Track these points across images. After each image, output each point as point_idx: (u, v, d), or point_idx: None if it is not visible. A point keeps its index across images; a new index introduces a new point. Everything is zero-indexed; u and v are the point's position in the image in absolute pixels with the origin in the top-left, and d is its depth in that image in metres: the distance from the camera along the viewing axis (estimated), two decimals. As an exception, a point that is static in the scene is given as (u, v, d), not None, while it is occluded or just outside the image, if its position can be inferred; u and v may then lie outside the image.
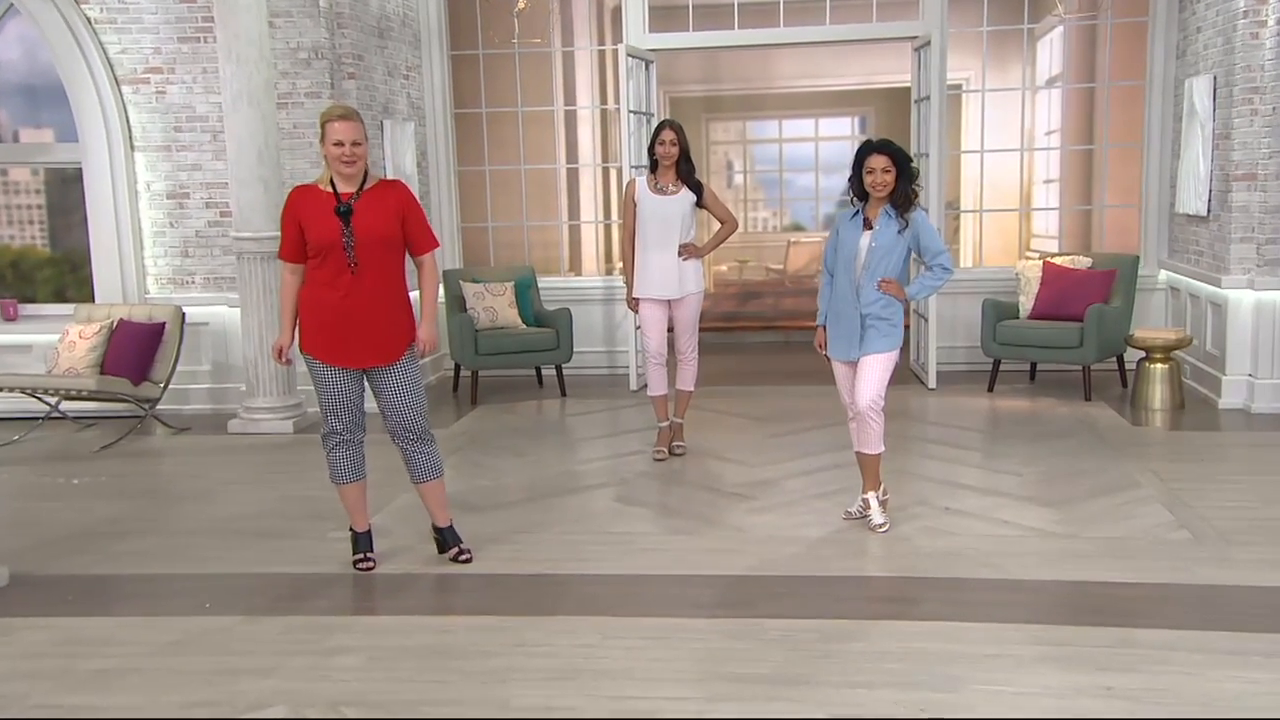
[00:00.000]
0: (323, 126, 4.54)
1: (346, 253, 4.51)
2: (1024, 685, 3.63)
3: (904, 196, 4.95)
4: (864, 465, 5.18)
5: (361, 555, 4.85)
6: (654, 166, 6.36)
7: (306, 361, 4.68)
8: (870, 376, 5.00)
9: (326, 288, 4.58)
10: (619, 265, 10.26)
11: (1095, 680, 3.63)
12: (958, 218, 10.19)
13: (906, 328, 5.29)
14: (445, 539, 4.92)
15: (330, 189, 4.58)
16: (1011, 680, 3.67)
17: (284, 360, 4.75)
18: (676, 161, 6.27)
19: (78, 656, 4.04)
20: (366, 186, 4.62)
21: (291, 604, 4.49)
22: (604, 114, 10.38)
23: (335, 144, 4.49)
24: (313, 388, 4.76)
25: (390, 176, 7.16)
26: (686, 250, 6.33)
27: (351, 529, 4.90)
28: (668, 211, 6.28)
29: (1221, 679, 3.62)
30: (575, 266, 10.26)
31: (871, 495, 5.18)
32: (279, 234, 7.20)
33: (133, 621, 4.36)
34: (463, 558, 4.87)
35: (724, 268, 13.05)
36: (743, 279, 13.41)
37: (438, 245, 4.85)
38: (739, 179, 14.84)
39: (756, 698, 3.62)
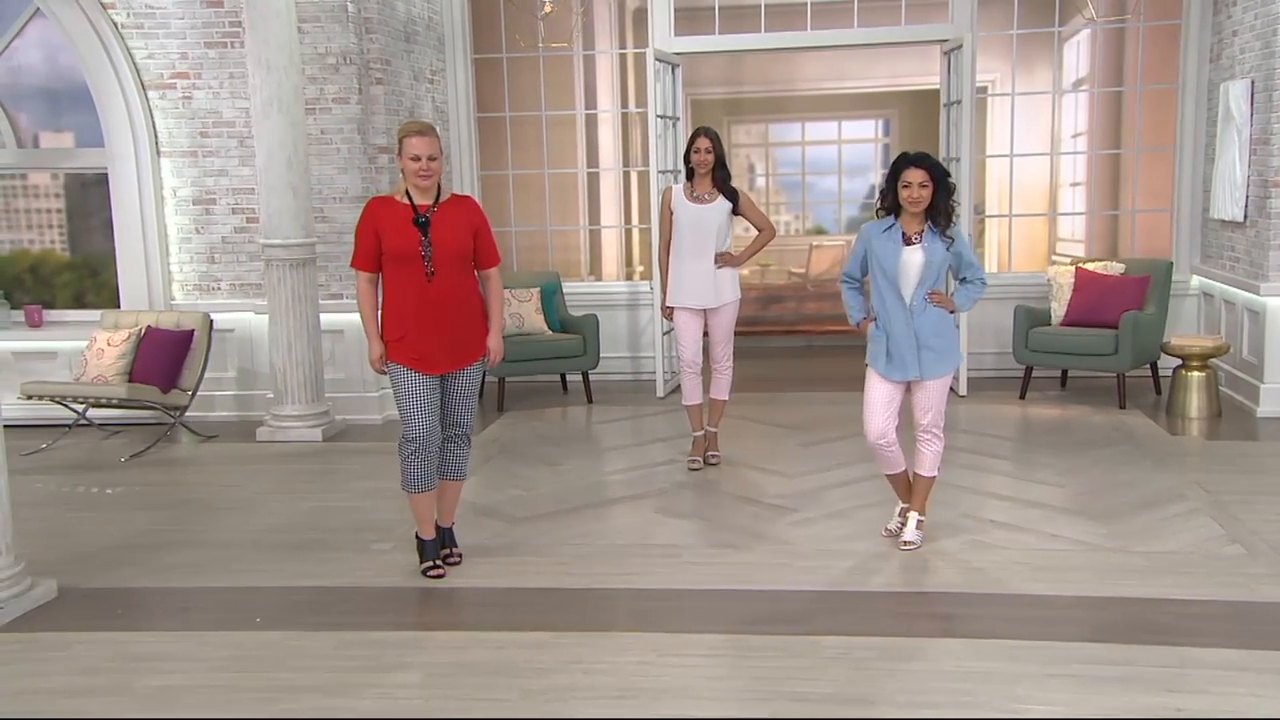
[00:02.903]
0: (400, 141, 4.66)
1: (425, 262, 4.61)
2: (1092, 708, 3.58)
3: (944, 212, 4.83)
4: (915, 485, 5.09)
5: (431, 563, 4.89)
6: (690, 174, 6.31)
7: (390, 368, 4.74)
8: (932, 398, 4.92)
9: (405, 296, 4.67)
10: (640, 269, 10.23)
11: (1164, 702, 3.59)
12: (983, 222, 10.14)
13: None
14: (444, 538, 5.01)
15: (407, 200, 4.68)
16: (1078, 702, 3.62)
17: (383, 369, 4.76)
18: (712, 169, 6.23)
19: (135, 673, 4.01)
20: (442, 199, 4.73)
21: (341, 618, 4.45)
22: (625, 117, 10.33)
23: (412, 158, 4.61)
24: (392, 393, 4.82)
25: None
26: (723, 259, 6.28)
27: (419, 536, 4.95)
28: (704, 220, 6.23)
29: (1294, 701, 3.59)
30: (596, 270, 10.21)
31: (913, 515, 5.10)
32: (308, 240, 7.45)
33: (185, 636, 4.32)
34: (451, 559, 4.97)
35: (745, 271, 12.94)
36: (764, 283, 13.33)
37: (500, 261, 4.95)
38: (761, 182, 14.75)
39: (822, 717, 3.58)
